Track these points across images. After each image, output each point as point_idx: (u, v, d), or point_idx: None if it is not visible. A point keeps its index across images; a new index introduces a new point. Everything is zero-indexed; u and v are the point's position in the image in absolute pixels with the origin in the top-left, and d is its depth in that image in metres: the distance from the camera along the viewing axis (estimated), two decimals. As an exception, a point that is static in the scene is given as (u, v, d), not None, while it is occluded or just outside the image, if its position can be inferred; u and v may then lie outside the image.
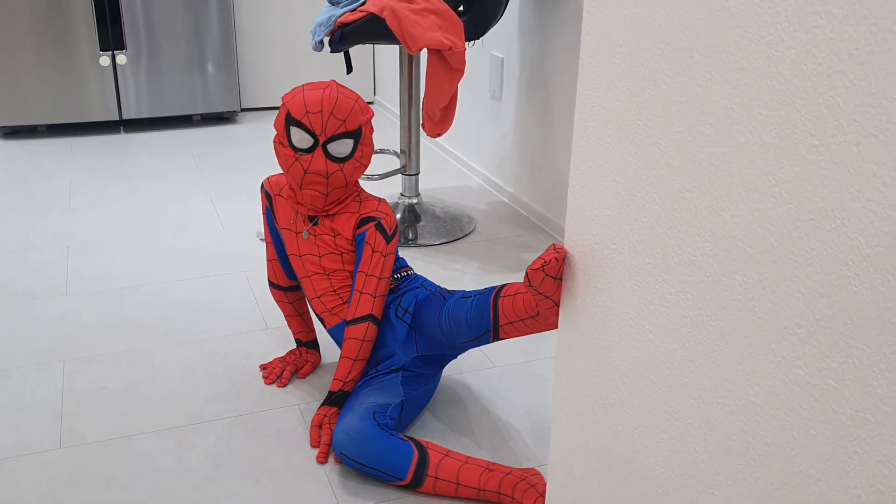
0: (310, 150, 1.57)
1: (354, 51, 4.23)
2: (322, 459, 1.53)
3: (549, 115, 2.62)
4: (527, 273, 1.16)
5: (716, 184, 0.80)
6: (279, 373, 1.79)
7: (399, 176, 3.16)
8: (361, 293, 1.60)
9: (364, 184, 3.11)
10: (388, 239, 1.62)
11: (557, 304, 1.15)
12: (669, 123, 0.85)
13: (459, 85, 3.25)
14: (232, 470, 1.52)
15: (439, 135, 2.39)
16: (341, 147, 1.58)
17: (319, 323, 1.80)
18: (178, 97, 3.77)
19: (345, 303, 1.66)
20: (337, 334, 1.70)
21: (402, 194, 2.74)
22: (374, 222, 1.62)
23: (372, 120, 1.63)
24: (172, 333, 1.99)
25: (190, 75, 3.74)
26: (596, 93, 0.98)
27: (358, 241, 1.63)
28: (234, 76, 3.82)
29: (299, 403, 1.72)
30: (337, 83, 1.62)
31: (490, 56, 2.97)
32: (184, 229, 2.65)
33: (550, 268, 1.10)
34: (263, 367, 1.83)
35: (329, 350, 1.93)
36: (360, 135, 1.59)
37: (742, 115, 0.75)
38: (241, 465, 1.53)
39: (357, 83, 4.30)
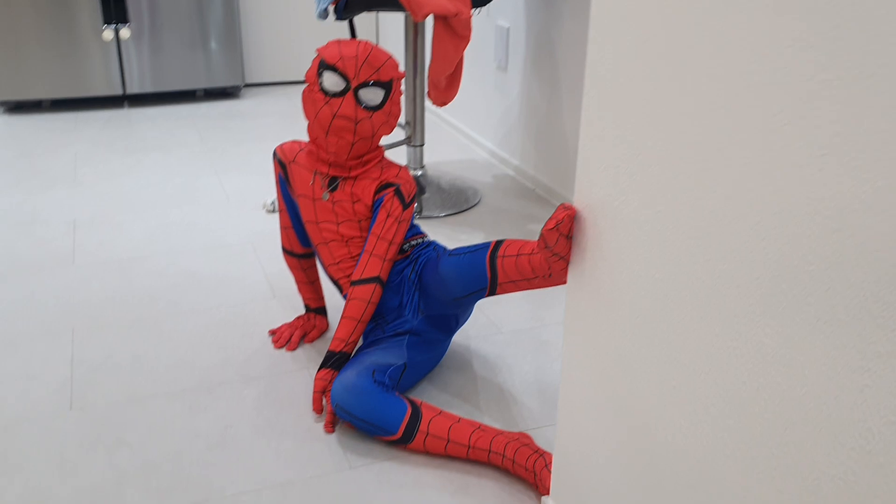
0: (341, 94, 1.57)
1: (358, 21, 4.22)
2: (329, 430, 1.53)
3: (556, 86, 2.61)
4: (542, 234, 1.17)
5: (726, 125, 0.80)
6: (288, 337, 1.80)
7: (404, 147, 3.16)
8: (371, 255, 1.60)
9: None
10: (405, 205, 1.62)
11: (568, 263, 1.15)
12: (679, 70, 0.85)
13: (465, 55, 3.24)
14: (243, 432, 1.53)
15: (445, 103, 2.39)
16: (372, 95, 1.58)
17: (336, 289, 1.80)
18: (182, 72, 3.76)
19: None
20: None
21: (407, 166, 2.74)
22: (394, 188, 1.62)
23: (401, 83, 1.63)
24: (180, 303, 2.00)
25: (193, 50, 3.73)
26: (606, 46, 0.98)
27: (375, 206, 1.63)
28: (238, 51, 3.81)
29: (309, 367, 1.73)
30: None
31: (496, 26, 2.96)
32: (189, 202, 2.65)
33: (564, 226, 1.11)
34: (272, 332, 1.84)
35: (337, 317, 1.93)
36: (391, 87, 1.61)
37: (752, 54, 0.75)
38: (252, 427, 1.55)
39: (361, 58, 4.28)
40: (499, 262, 1.45)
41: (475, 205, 2.64)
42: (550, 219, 1.13)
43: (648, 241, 0.95)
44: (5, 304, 1.99)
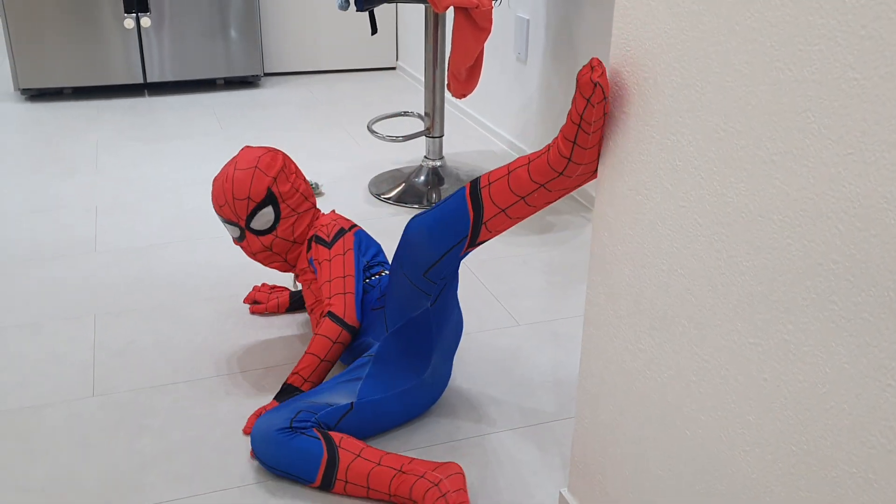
0: (242, 237, 1.65)
1: (379, 12, 4.22)
2: (246, 432, 1.50)
3: (574, 78, 2.61)
4: (598, 84, 1.00)
5: (754, 122, 0.80)
6: (265, 299, 1.91)
7: (423, 138, 3.17)
8: (329, 298, 1.55)
9: (388, 145, 3.12)
10: (329, 245, 1.60)
11: (599, 147, 1.06)
12: (706, 64, 0.86)
13: (485, 46, 3.24)
14: (262, 419, 1.55)
15: (465, 95, 2.39)
16: (263, 219, 1.62)
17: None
18: (202, 61, 3.78)
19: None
20: (344, 359, 1.65)
21: (425, 157, 2.75)
22: (312, 240, 1.65)
23: (282, 169, 1.61)
24: (200, 290, 2.02)
25: (213, 39, 3.75)
26: (631, 40, 0.98)
27: (312, 265, 1.66)
28: (258, 40, 3.82)
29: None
30: (245, 150, 1.63)
31: (516, 17, 2.95)
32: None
33: (597, 71, 1.00)
34: (250, 302, 1.93)
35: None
36: (273, 197, 1.61)
37: (781, 51, 0.76)
38: (271, 414, 1.56)
39: (379, 48, 4.29)
40: (483, 192, 1.25)
41: (493, 197, 2.64)
42: (583, 70, 1.02)
43: (672, 235, 0.96)
44: (28, 289, 2.01)
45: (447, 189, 2.64)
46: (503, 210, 1.24)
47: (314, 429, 1.37)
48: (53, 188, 2.66)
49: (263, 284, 1.96)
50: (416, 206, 2.56)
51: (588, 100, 1.02)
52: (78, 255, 2.20)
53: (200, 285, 2.04)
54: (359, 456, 1.35)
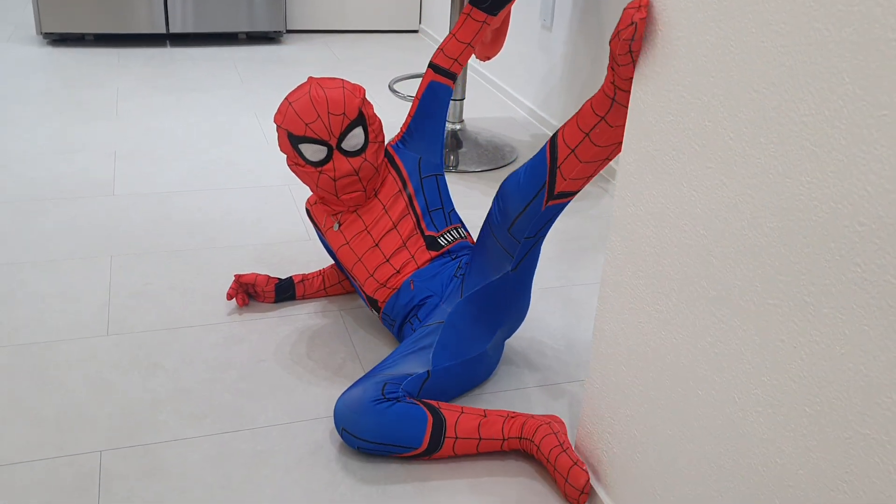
0: (328, 159, 1.53)
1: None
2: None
3: (602, 48, 2.59)
4: (634, 23, 1.03)
5: (786, 82, 0.80)
6: (233, 295, 1.73)
7: (443, 103, 3.15)
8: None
9: (408, 106, 3.11)
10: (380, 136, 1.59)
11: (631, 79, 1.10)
12: (742, 22, 0.85)
13: (511, 11, 3.22)
14: (275, 366, 1.56)
15: (489, 58, 2.38)
16: (354, 140, 1.53)
17: (373, 310, 1.63)
18: (225, 14, 3.77)
19: (398, 272, 1.56)
20: (391, 314, 1.57)
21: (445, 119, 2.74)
22: (383, 146, 1.60)
23: (364, 94, 1.57)
24: (218, 238, 2.03)
25: (238, -7, 3.74)
26: (657, 31, 0.98)
27: (399, 155, 1.62)
28: (282, -4, 3.80)
29: (340, 310, 1.75)
30: (315, 79, 1.55)
31: (542, -14, 2.93)
32: (229, 142, 2.67)
33: (641, 13, 1.02)
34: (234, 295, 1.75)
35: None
36: (364, 118, 1.54)
37: (819, 11, 0.75)
38: (285, 362, 1.58)
39: (403, 10, 4.26)
40: (558, 135, 1.30)
41: (511, 162, 2.64)
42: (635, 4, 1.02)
43: (696, 195, 0.96)
44: (47, 228, 2.03)
45: (465, 152, 2.64)
46: (573, 150, 1.28)
47: (407, 397, 1.34)
48: (74, 132, 2.67)
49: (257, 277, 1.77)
50: (434, 168, 2.56)
51: (619, 32, 1.04)
52: (96, 197, 2.21)
53: (217, 234, 2.05)
54: (462, 412, 1.35)
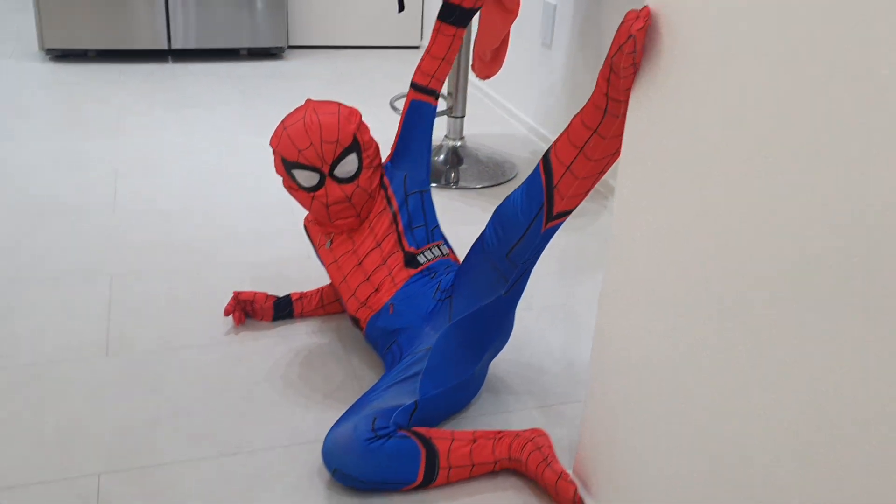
0: (320, 185, 1.53)
1: (404, -6, 4.21)
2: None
3: (600, 66, 2.60)
4: (632, 35, 1.02)
5: (777, 113, 0.80)
6: (230, 312, 1.73)
7: (445, 118, 3.17)
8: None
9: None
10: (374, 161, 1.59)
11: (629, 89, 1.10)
12: (735, 53, 0.85)
13: (511, 30, 3.23)
14: (273, 387, 1.56)
15: (489, 76, 2.39)
16: (347, 166, 1.53)
17: (355, 327, 1.65)
18: (227, 30, 3.78)
19: (376, 290, 1.55)
20: (376, 336, 1.56)
21: (446, 136, 2.75)
22: (380, 169, 1.61)
23: (360, 120, 1.57)
24: (217, 256, 2.03)
25: (239, 9, 3.75)
26: (656, 25, 0.98)
27: (389, 178, 1.62)
28: (283, 12, 3.82)
29: (338, 329, 1.75)
30: (313, 102, 1.55)
31: (543, 3, 2.94)
32: (230, 159, 2.68)
33: (638, 24, 1.02)
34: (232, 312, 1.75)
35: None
36: (358, 144, 1.54)
37: (809, 47, 0.75)
38: (283, 383, 1.57)
39: (404, 26, 4.28)
40: (551, 152, 1.27)
41: (511, 178, 2.65)
42: (635, 19, 1.02)
43: (692, 220, 0.96)
44: (47, 244, 2.03)
45: (466, 169, 2.64)
46: (568, 167, 1.25)
47: (397, 430, 1.31)
48: (75, 148, 2.68)
49: (256, 294, 1.77)
50: (435, 185, 2.56)
51: (620, 46, 1.04)
52: (97, 213, 2.22)
53: (217, 252, 2.06)
54: (453, 440, 1.34)
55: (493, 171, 2.66)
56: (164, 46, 3.72)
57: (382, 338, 1.54)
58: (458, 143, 2.74)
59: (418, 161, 1.63)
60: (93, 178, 2.45)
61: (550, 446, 1.35)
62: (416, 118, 1.65)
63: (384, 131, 3.02)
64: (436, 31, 1.66)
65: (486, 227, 1.40)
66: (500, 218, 1.36)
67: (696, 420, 0.99)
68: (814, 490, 0.80)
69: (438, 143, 2.80)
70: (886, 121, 0.69)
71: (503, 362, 1.67)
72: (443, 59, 1.66)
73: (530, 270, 1.42)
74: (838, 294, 0.75)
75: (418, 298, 1.51)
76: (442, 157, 2.70)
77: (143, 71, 3.61)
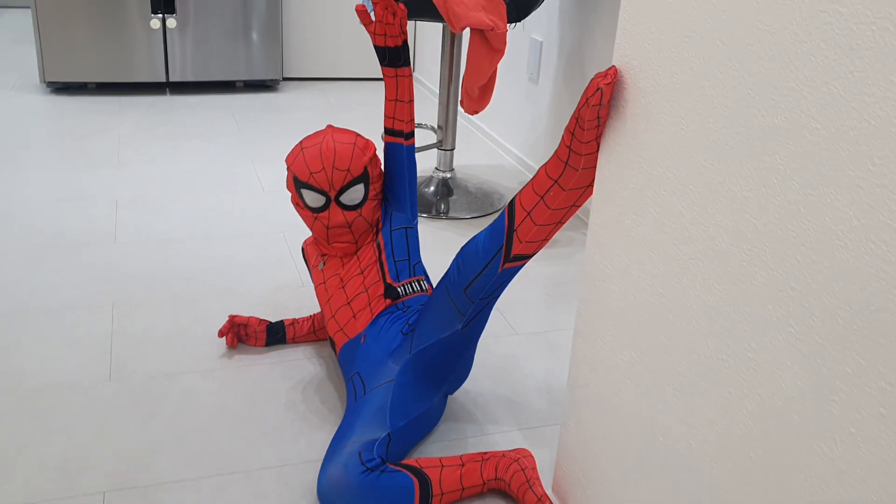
0: (325, 207, 1.62)
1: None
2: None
3: (583, 100, 2.70)
4: (600, 89, 1.11)
5: (730, 161, 0.89)
6: (225, 333, 1.83)
7: (435, 150, 3.26)
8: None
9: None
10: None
11: (598, 144, 1.18)
12: (691, 105, 0.95)
13: (498, 66, 3.34)
14: (269, 411, 1.64)
15: (477, 112, 2.48)
16: (353, 195, 1.62)
17: (332, 349, 1.74)
18: (223, 63, 3.89)
19: (354, 317, 1.64)
20: (344, 362, 1.63)
21: (436, 168, 2.84)
22: (380, 202, 1.70)
23: (374, 153, 1.67)
24: (215, 285, 2.12)
25: (235, 42, 3.86)
26: (627, 80, 1.07)
27: (385, 221, 1.69)
28: (278, 45, 3.93)
29: (331, 355, 1.84)
30: (333, 128, 1.64)
31: (530, 39, 3.05)
32: (226, 190, 2.77)
33: (607, 79, 1.11)
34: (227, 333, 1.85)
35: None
36: (367, 176, 1.63)
37: (758, 99, 0.85)
38: (278, 406, 1.65)
39: (397, 59, 4.39)
40: (516, 199, 1.34)
41: (500, 209, 2.74)
42: (603, 76, 1.11)
43: (655, 257, 1.05)
44: (49, 276, 2.11)
45: (456, 200, 2.74)
46: (528, 213, 1.32)
47: (387, 464, 1.38)
48: (76, 179, 2.77)
49: (250, 318, 1.87)
50: (426, 216, 2.65)
51: (587, 99, 1.12)
52: (99, 245, 2.30)
53: (215, 281, 2.14)
54: (442, 466, 1.41)
55: (482, 202, 2.76)
56: (163, 79, 3.82)
57: (348, 364, 1.61)
58: (448, 175, 2.83)
59: (401, 200, 1.70)
60: (94, 210, 2.54)
61: (534, 467, 1.42)
62: (391, 160, 1.71)
63: (376, 162, 3.11)
64: (383, 75, 1.72)
65: (451, 264, 1.48)
66: (463, 255, 1.42)
67: (659, 441, 1.07)
68: (760, 504, 0.89)
69: (429, 174, 2.89)
70: (822, 174, 0.78)
71: (488, 387, 1.76)
72: (395, 100, 1.69)
73: (488, 310, 1.48)
74: (776, 338, 0.84)
75: (387, 332, 1.58)
76: (432, 188, 2.79)
77: (142, 103, 3.71)
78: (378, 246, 1.66)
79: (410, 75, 1.71)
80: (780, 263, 0.83)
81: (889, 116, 0.70)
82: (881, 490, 0.74)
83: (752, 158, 0.86)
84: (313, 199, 1.62)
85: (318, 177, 1.60)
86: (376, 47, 1.69)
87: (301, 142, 1.64)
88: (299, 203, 1.66)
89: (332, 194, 1.61)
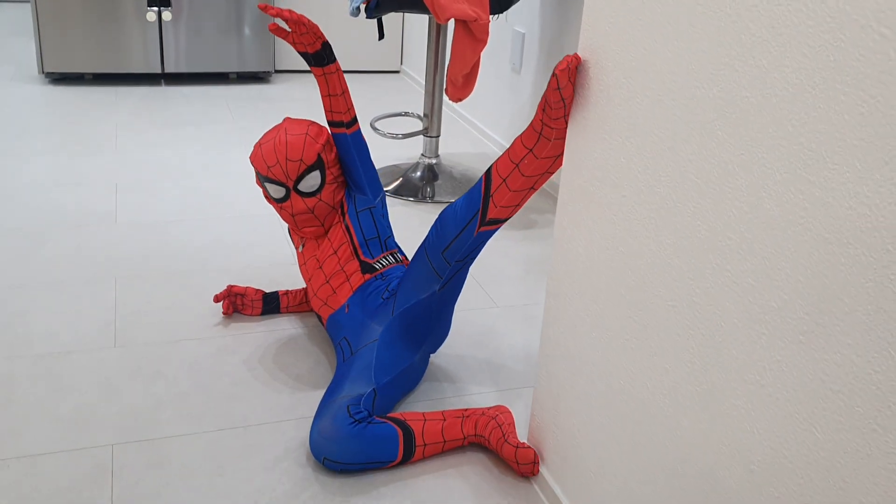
0: (286, 197, 1.74)
1: (386, 19, 4.44)
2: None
3: (564, 89, 2.82)
4: (555, 74, 1.23)
5: (682, 136, 1.01)
6: (220, 300, 1.94)
7: (421, 137, 3.38)
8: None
9: (389, 142, 3.33)
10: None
11: (567, 120, 1.29)
12: (657, 84, 1.07)
13: (482, 55, 3.46)
14: (264, 374, 1.75)
15: (461, 99, 2.60)
16: (311, 181, 1.72)
17: (319, 322, 1.91)
18: (217, 55, 3.99)
19: (334, 292, 1.76)
20: (332, 331, 1.74)
21: (422, 154, 2.96)
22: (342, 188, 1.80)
23: (328, 139, 1.76)
24: (210, 262, 2.23)
25: (229, 35, 3.96)
26: (592, 56, 1.19)
27: (348, 202, 1.79)
28: (270, 38, 4.03)
29: (318, 325, 1.95)
30: (289, 121, 1.75)
31: (512, 31, 3.17)
32: (221, 174, 2.88)
33: (573, 70, 1.23)
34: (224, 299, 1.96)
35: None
36: (322, 163, 1.73)
37: (700, 75, 0.97)
38: (272, 370, 1.77)
39: (385, 52, 4.51)
40: (493, 167, 1.46)
41: (483, 195, 2.86)
42: (560, 63, 1.24)
43: (615, 219, 1.17)
44: (54, 254, 2.22)
45: (441, 184, 2.85)
46: (504, 180, 1.44)
47: (370, 416, 1.49)
48: (76, 165, 2.87)
49: (248, 288, 1.99)
50: (412, 199, 2.77)
51: (550, 84, 1.25)
52: (100, 226, 2.41)
53: (210, 259, 2.25)
54: (425, 420, 1.53)
55: (466, 186, 2.87)
56: (158, 70, 3.92)
57: (336, 331, 1.73)
58: (434, 161, 2.95)
59: (359, 184, 1.80)
60: (95, 194, 2.64)
61: (511, 423, 1.54)
62: (340, 150, 1.79)
63: (365, 150, 3.23)
64: (313, 74, 1.83)
65: (430, 229, 1.60)
66: (442, 219, 1.54)
67: (619, 394, 1.19)
68: (714, 449, 1.01)
69: (415, 160, 3.01)
70: (751, 137, 0.90)
71: (468, 352, 1.88)
72: (329, 94, 1.76)
73: (464, 274, 1.61)
74: (721, 272, 0.96)
75: (370, 299, 1.70)
76: (418, 173, 2.91)
77: (138, 93, 3.82)
78: (347, 228, 1.78)
79: (338, 70, 1.75)
80: (719, 217, 0.95)
81: (803, 84, 0.82)
82: (803, 409, 0.86)
83: (694, 126, 0.98)
84: (275, 190, 1.75)
85: (274, 170, 1.72)
86: (299, 52, 1.76)
87: (259, 139, 1.75)
88: (267, 196, 1.80)
89: (290, 184, 1.73)
